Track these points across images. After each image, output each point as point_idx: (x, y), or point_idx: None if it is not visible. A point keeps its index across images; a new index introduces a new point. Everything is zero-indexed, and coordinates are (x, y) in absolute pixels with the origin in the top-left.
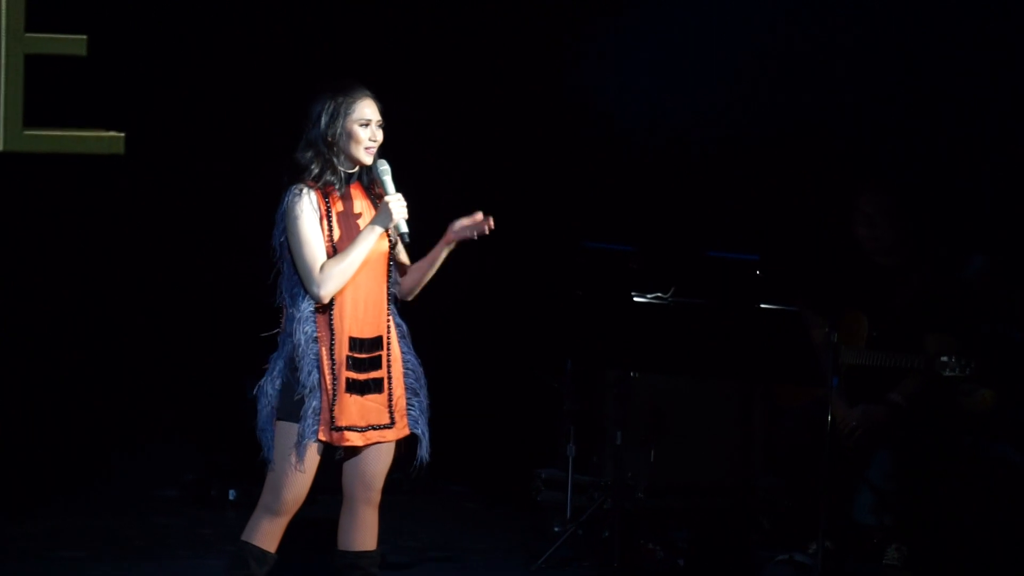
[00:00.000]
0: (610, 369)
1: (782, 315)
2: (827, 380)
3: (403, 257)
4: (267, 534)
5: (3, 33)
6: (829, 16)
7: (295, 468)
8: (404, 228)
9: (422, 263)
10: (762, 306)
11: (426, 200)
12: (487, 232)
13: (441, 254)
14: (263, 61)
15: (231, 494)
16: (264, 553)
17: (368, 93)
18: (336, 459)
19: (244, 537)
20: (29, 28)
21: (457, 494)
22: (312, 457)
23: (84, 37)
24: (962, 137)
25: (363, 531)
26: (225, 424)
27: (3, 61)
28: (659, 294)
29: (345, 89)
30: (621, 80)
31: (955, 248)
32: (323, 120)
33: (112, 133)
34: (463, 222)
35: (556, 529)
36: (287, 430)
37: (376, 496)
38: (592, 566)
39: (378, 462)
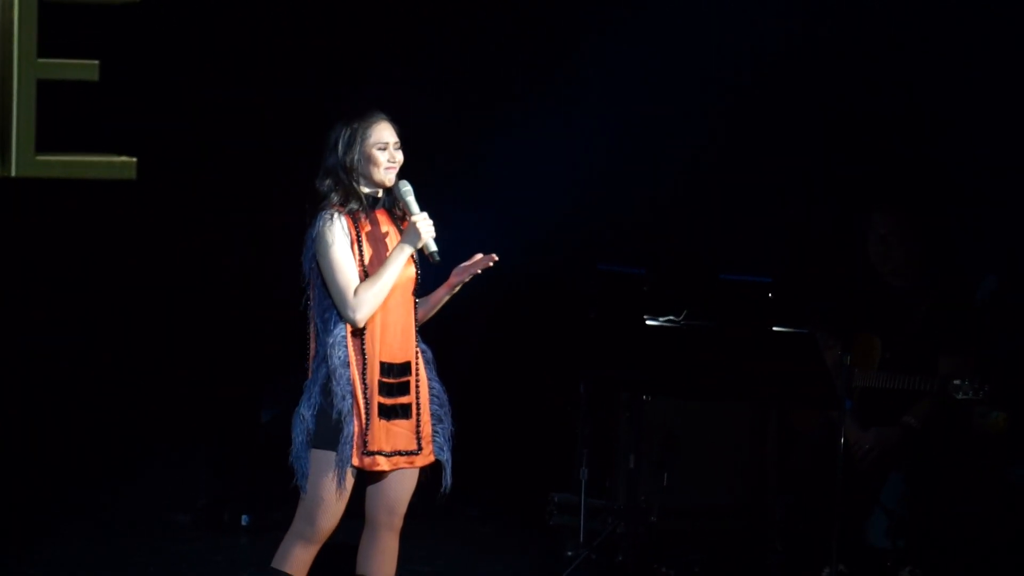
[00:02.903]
0: (623, 392)
1: (795, 338)
2: (840, 403)
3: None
4: (299, 562)
5: (15, 58)
6: (845, 37)
7: (332, 495)
8: (433, 247)
9: (425, 304)
10: (775, 329)
11: (440, 223)
12: (491, 265)
13: (443, 298)
14: (276, 85)
15: (244, 519)
16: None
17: (384, 116)
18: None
19: (276, 564)
20: (41, 53)
21: (471, 518)
22: (348, 483)
23: (96, 62)
24: (972, 157)
25: (383, 557)
26: (238, 449)
27: (15, 86)
28: (672, 317)
29: (360, 114)
30: (633, 102)
31: (968, 269)
32: (340, 147)
33: (124, 158)
34: (464, 265)
35: (569, 553)
36: (322, 457)
37: (399, 522)
38: None
39: (402, 488)
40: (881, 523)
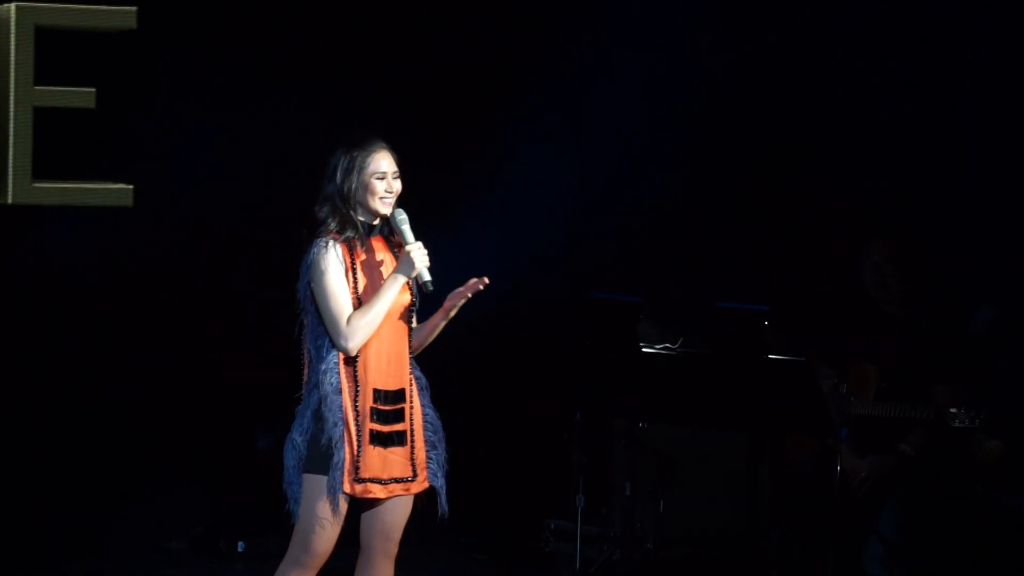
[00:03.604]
0: (619, 420)
1: (791, 366)
2: (836, 431)
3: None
4: None
5: (12, 86)
6: (836, 61)
7: (325, 521)
8: (427, 276)
9: (421, 331)
10: (770, 357)
11: (437, 250)
12: (481, 289)
13: (439, 325)
14: (272, 111)
15: (240, 546)
16: None
17: (383, 145)
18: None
19: None
20: (37, 81)
21: (466, 546)
22: (341, 508)
23: (93, 90)
24: (970, 185)
25: None
26: (234, 476)
27: (12, 114)
28: (667, 345)
29: (360, 143)
30: (629, 126)
31: (963, 299)
32: (339, 174)
33: (120, 185)
34: (458, 291)
35: None
36: (315, 483)
37: (394, 548)
38: None
39: (397, 514)
40: (877, 551)
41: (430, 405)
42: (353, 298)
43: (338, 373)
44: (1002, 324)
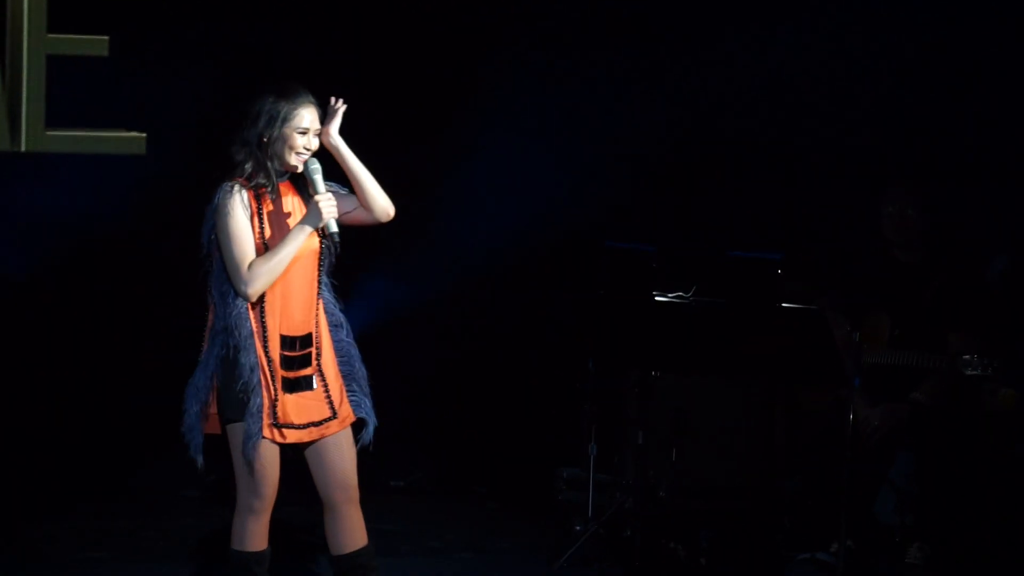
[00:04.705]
0: (631, 369)
1: (804, 315)
2: (849, 380)
3: (352, 208)
4: (255, 535)
5: (25, 34)
6: (850, 15)
7: (261, 464)
8: (334, 228)
9: (355, 190)
10: (784, 306)
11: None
12: (340, 108)
13: (346, 162)
14: (284, 62)
15: None
16: (260, 554)
17: (311, 100)
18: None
19: (236, 547)
20: (51, 29)
21: (479, 494)
22: (271, 451)
23: (106, 38)
24: (987, 136)
25: (351, 531)
26: None
27: (25, 62)
28: (680, 294)
29: (289, 93)
30: (643, 82)
31: (978, 247)
32: (262, 121)
33: (133, 133)
34: (325, 127)
35: (578, 528)
36: (237, 430)
37: (355, 493)
38: (613, 565)
39: (343, 460)
40: (889, 500)
41: (348, 340)
42: (258, 243)
43: (248, 320)
44: (1017, 273)
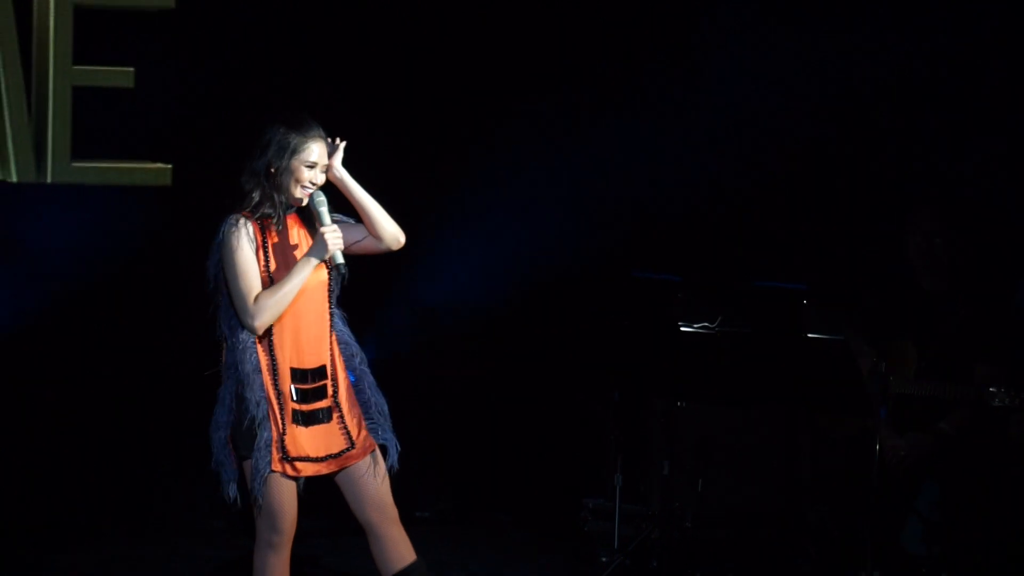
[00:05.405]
0: (657, 399)
1: (829, 344)
2: (875, 409)
3: (361, 237)
4: (275, 570)
5: (51, 65)
6: (876, 35)
7: (276, 499)
8: (340, 259)
9: (363, 220)
10: (809, 335)
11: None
12: (340, 145)
13: (352, 194)
14: (307, 91)
15: None
16: None
17: (321, 134)
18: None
19: None
20: (76, 61)
21: (505, 524)
22: (284, 485)
23: (131, 69)
24: (1013, 160)
25: (396, 550)
26: None
27: (51, 93)
28: (706, 324)
29: (299, 125)
30: (669, 114)
31: (1005, 275)
32: (271, 150)
33: (159, 165)
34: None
35: (603, 559)
36: (250, 467)
37: (392, 511)
38: None
39: (375, 483)
40: (916, 530)
41: (363, 368)
42: (264, 276)
43: (255, 353)
44: None
